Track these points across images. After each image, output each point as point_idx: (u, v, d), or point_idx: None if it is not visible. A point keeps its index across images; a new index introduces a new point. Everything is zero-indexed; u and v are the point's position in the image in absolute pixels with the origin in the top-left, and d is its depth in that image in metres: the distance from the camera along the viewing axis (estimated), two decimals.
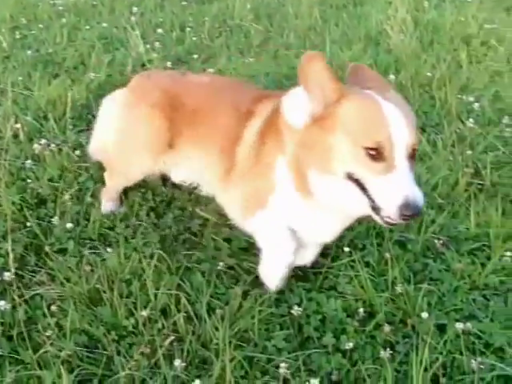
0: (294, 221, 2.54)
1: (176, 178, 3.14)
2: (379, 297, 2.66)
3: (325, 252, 2.89)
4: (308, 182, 2.33)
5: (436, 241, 2.98)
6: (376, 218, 2.17)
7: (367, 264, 2.86)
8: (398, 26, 5.23)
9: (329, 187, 2.26)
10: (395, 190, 2.05)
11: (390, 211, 2.07)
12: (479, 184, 3.35)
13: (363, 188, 2.15)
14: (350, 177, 2.16)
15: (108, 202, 3.15)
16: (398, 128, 2.08)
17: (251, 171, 2.60)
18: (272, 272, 2.61)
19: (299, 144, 2.33)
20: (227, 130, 2.72)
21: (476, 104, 4.12)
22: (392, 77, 4.43)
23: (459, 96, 4.23)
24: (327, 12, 6.00)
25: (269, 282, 2.64)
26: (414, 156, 2.13)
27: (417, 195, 2.04)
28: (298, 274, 2.82)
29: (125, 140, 3.00)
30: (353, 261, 2.83)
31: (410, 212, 2.03)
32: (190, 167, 2.95)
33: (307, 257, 2.81)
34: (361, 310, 2.61)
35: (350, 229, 2.85)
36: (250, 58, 4.98)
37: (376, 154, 2.07)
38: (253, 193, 2.59)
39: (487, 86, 4.39)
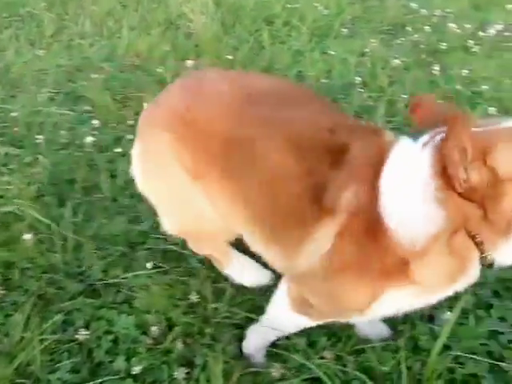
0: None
1: None
2: (176, 307, 2.41)
3: (118, 261, 2.61)
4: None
5: None
6: None
7: (165, 272, 2.60)
8: (198, 9, 4.98)
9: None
10: None
11: None
12: None
13: None
14: None
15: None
16: None
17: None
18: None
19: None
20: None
21: None
22: (190, 62, 4.18)
23: None
24: None
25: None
26: None
27: None
28: (87, 290, 2.51)
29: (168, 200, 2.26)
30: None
31: None
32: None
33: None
34: (154, 325, 2.34)
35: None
36: (41, 50, 4.55)
37: None
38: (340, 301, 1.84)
39: (290, 66, 4.27)
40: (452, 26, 5.05)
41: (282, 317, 2.06)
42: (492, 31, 5.02)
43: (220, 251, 2.44)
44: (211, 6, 5.05)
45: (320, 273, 1.75)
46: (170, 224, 2.31)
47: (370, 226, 1.63)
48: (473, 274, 1.67)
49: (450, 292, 1.74)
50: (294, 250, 1.81)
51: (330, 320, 2.01)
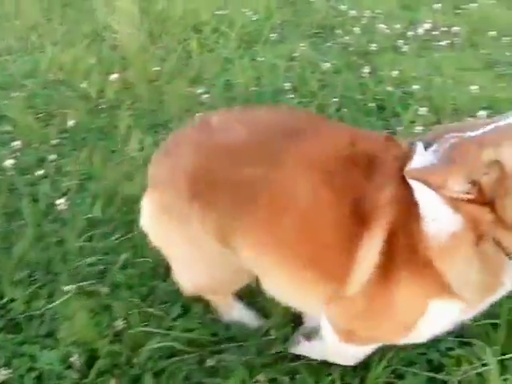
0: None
1: None
2: (102, 336, 2.28)
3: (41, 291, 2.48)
4: None
5: None
6: None
7: (90, 295, 2.47)
8: (125, 19, 4.85)
9: None
10: None
11: None
12: None
13: None
14: None
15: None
16: None
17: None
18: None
19: None
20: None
21: (206, 95, 3.88)
22: (115, 76, 4.05)
23: (189, 88, 3.97)
24: (51, 9, 5.47)
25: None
26: None
27: None
28: (8, 324, 2.37)
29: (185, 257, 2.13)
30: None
31: None
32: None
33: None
34: (78, 357, 2.21)
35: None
36: None
37: None
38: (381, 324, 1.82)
39: (219, 74, 4.18)
40: (381, 26, 5.06)
41: (339, 350, 2.01)
42: (421, 30, 5.04)
43: (226, 301, 2.37)
44: (137, 15, 4.93)
45: (368, 291, 1.71)
46: (188, 282, 2.21)
47: (411, 234, 1.63)
48: (507, 280, 1.65)
49: (488, 302, 1.73)
50: (341, 277, 1.74)
51: (379, 343, 1.98)
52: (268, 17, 5.14)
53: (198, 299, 2.37)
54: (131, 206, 2.91)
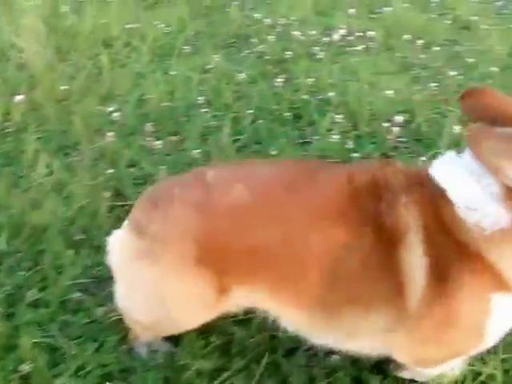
0: None
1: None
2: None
3: None
4: None
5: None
6: None
7: None
8: (30, 37, 4.64)
9: None
10: None
11: None
12: (123, 206, 2.93)
13: None
14: None
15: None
16: None
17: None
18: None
19: None
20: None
21: (117, 113, 3.73)
22: (22, 97, 3.86)
23: (100, 107, 3.82)
24: None
25: None
26: None
27: None
28: None
29: (157, 307, 2.04)
30: None
31: None
32: None
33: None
34: None
35: None
36: None
37: None
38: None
39: (131, 90, 4.04)
40: (296, 33, 5.01)
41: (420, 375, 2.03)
42: (336, 36, 5.02)
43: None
44: (43, 32, 4.72)
45: (428, 306, 1.72)
46: (144, 315, 2.10)
47: (448, 231, 1.67)
48: None
49: None
50: (398, 301, 1.75)
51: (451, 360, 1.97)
52: (181, 29, 5.01)
53: (114, 330, 2.28)
54: (39, 237, 2.76)
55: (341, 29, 5.16)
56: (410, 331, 1.80)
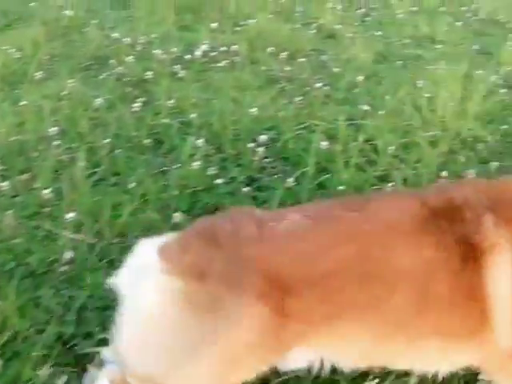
0: None
1: None
2: None
3: None
4: None
5: None
6: None
7: None
8: None
9: None
10: None
11: None
12: None
13: None
14: None
15: None
16: None
17: None
18: None
19: None
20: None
21: None
22: None
23: None
24: None
25: None
26: None
27: None
28: None
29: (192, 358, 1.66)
30: None
31: None
32: None
33: None
34: None
35: None
36: None
37: None
38: None
39: None
40: (157, 52, 4.83)
41: None
42: (198, 53, 4.87)
43: None
44: None
45: None
46: (163, 367, 1.73)
47: None
48: None
49: None
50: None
51: None
52: (34, 53, 4.70)
53: None
54: None
55: (204, 44, 5.03)
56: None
